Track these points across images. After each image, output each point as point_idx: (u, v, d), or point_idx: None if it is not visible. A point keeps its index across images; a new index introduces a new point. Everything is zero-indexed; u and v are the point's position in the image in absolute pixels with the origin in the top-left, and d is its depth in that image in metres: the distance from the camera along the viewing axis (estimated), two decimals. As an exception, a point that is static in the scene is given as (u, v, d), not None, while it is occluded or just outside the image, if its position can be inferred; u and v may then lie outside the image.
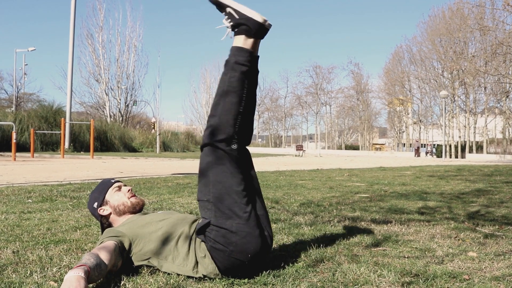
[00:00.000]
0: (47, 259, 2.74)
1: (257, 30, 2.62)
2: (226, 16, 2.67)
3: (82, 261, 2.15)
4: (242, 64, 2.58)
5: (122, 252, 2.46)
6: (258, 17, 2.59)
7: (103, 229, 2.85)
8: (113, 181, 2.91)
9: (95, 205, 2.82)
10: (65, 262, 2.68)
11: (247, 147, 2.73)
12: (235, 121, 2.55)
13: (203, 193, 2.54)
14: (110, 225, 2.83)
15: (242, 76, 2.57)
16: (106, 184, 2.89)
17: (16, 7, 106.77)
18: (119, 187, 2.88)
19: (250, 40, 2.60)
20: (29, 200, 5.43)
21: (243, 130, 2.61)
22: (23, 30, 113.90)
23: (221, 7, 2.70)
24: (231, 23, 2.66)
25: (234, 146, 2.56)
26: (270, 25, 2.64)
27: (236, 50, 2.61)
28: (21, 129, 28.52)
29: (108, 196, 2.82)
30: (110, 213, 2.80)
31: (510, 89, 41.07)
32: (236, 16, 2.63)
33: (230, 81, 2.57)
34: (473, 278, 2.48)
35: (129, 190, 2.88)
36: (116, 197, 2.81)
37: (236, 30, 2.65)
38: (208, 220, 2.47)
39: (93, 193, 2.89)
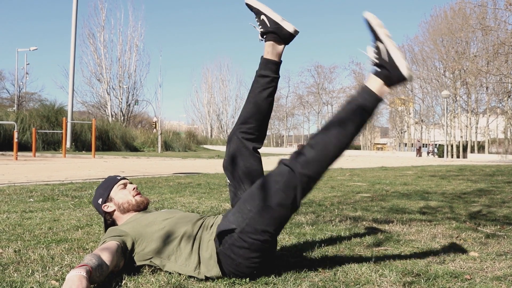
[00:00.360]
0: (48, 258, 2.74)
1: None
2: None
3: (84, 261, 2.15)
4: (367, 111, 2.42)
5: (124, 252, 2.46)
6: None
7: (106, 225, 2.86)
8: (119, 178, 2.92)
9: (100, 201, 2.82)
10: (67, 261, 2.68)
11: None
12: (331, 164, 2.43)
13: (251, 200, 2.39)
14: (113, 222, 2.83)
15: (360, 123, 2.43)
16: (111, 181, 2.89)
17: (18, 7, 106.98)
18: (125, 185, 2.88)
19: (385, 89, 2.44)
20: (31, 200, 5.43)
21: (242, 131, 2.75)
22: (25, 29, 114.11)
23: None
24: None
25: (314, 185, 2.44)
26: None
27: (368, 94, 2.42)
28: (23, 128, 28.55)
29: (113, 193, 2.82)
30: (114, 210, 2.80)
31: (511, 89, 41.04)
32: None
33: (347, 121, 2.39)
34: (475, 278, 2.48)
35: (134, 188, 2.88)
36: (121, 195, 2.81)
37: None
38: (234, 227, 2.37)
39: (98, 189, 2.89)
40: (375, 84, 2.42)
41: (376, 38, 2.43)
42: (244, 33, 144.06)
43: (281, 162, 2.42)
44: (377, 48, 2.43)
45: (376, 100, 2.42)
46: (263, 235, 2.35)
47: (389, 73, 2.39)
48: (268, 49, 2.71)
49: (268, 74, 2.71)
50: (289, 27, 2.65)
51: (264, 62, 2.72)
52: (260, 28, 2.70)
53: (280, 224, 2.39)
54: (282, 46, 2.71)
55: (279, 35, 2.67)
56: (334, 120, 2.42)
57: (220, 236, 2.42)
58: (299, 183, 2.33)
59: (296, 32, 2.67)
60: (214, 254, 2.42)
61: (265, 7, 2.70)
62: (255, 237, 2.34)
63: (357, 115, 2.39)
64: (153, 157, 24.69)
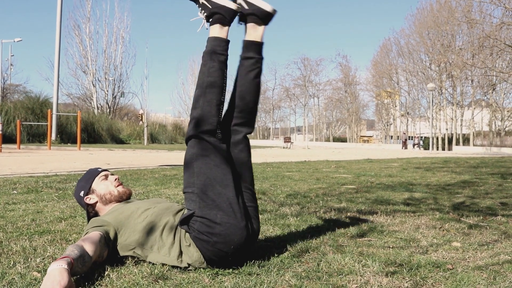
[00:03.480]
0: (31, 249, 2.72)
1: (232, 17, 2.68)
2: (200, 8, 2.70)
3: (66, 252, 2.14)
4: (220, 53, 2.63)
5: (108, 242, 2.45)
6: (231, 4, 2.64)
7: (89, 218, 2.84)
8: (100, 170, 2.90)
9: (82, 193, 2.80)
10: (49, 252, 2.66)
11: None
12: (218, 111, 2.59)
13: (188, 185, 2.54)
14: (96, 214, 2.82)
15: (221, 66, 2.62)
16: (92, 173, 2.88)
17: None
18: (106, 176, 2.87)
19: (225, 28, 2.66)
20: (14, 191, 5.39)
21: (228, 119, 2.69)
22: (9, 20, 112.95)
23: (195, 0, 2.74)
24: (205, 14, 2.69)
25: (219, 136, 2.59)
26: (239, 8, 2.71)
27: (213, 40, 2.65)
28: (7, 120, 28.33)
29: (94, 185, 2.81)
30: (97, 202, 2.79)
31: (496, 82, 41.36)
32: (209, 6, 2.67)
33: (209, 72, 2.61)
34: (457, 268, 2.50)
35: (116, 179, 2.86)
36: (103, 186, 2.80)
37: (210, 20, 2.69)
38: (192, 211, 2.46)
39: (80, 181, 2.87)
40: (214, 30, 2.67)
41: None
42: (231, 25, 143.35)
43: (185, 140, 2.66)
44: (201, 5, 2.68)
45: (222, 41, 2.66)
46: (218, 203, 2.46)
47: (220, 15, 2.65)
48: (250, 31, 2.74)
49: (253, 56, 2.76)
50: (267, 7, 2.70)
51: (247, 44, 2.76)
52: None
53: (224, 187, 2.49)
54: (263, 27, 2.75)
55: (258, 16, 2.71)
56: (201, 75, 2.66)
57: (183, 223, 2.48)
58: (206, 141, 2.56)
59: (274, 11, 2.71)
60: (191, 242, 2.44)
61: None
62: (213, 208, 2.44)
63: (214, 60, 2.65)
64: (139, 149, 24.61)
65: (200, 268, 2.41)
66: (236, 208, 2.47)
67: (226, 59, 2.65)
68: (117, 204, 2.76)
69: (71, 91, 51.73)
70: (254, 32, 2.73)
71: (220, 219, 2.41)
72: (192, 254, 2.42)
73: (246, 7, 2.70)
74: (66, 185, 6.08)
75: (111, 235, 2.49)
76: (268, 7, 2.68)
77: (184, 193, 2.57)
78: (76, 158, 13.78)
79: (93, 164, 11.23)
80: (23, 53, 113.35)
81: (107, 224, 2.51)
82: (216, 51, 2.62)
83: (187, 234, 2.47)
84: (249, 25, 2.74)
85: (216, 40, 2.63)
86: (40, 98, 32.13)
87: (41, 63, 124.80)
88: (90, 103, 50.98)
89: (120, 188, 2.83)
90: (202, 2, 2.69)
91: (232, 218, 2.43)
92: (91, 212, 2.83)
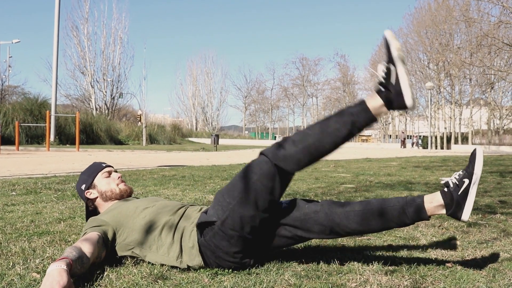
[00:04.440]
0: (30, 250, 2.72)
1: (398, 107, 2.36)
2: (385, 70, 2.37)
3: (64, 254, 2.14)
4: (358, 127, 2.36)
5: (106, 243, 2.45)
6: (409, 100, 2.29)
7: (87, 212, 2.85)
8: (104, 165, 2.90)
9: (83, 187, 2.81)
10: (48, 253, 2.66)
11: None
12: (310, 164, 2.39)
13: (230, 193, 2.38)
14: (95, 209, 2.82)
15: (348, 136, 2.37)
16: (96, 168, 2.88)
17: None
18: (109, 173, 2.87)
19: (383, 109, 2.35)
20: (13, 193, 5.39)
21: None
22: (7, 22, 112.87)
23: (390, 59, 2.37)
24: (382, 80, 2.36)
25: (290, 178, 2.46)
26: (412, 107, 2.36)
27: (364, 111, 2.35)
28: (6, 122, 28.27)
29: (96, 181, 2.81)
30: (97, 197, 2.79)
31: (495, 80, 41.37)
32: (392, 83, 2.33)
33: (335, 131, 2.35)
34: (456, 266, 2.50)
35: (119, 177, 2.86)
36: (105, 183, 2.80)
37: (381, 89, 2.36)
38: (215, 220, 2.36)
39: (83, 174, 2.87)
40: (375, 103, 2.34)
41: (390, 59, 2.36)
42: (229, 26, 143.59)
43: (261, 153, 2.39)
44: (388, 69, 2.35)
45: (370, 119, 2.35)
46: (243, 227, 2.34)
47: (392, 97, 2.31)
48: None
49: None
50: (407, 99, 2.30)
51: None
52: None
53: (259, 216, 2.36)
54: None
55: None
56: (323, 125, 2.38)
57: (200, 227, 2.41)
58: (277, 175, 2.33)
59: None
60: (196, 244, 2.41)
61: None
62: (235, 230, 2.34)
63: (347, 127, 2.34)
64: (137, 150, 24.58)
65: (199, 268, 2.41)
66: (254, 243, 2.42)
67: (354, 135, 2.40)
68: (116, 202, 2.75)
69: (69, 92, 51.73)
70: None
71: (235, 241, 2.35)
72: (194, 258, 2.39)
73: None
74: (65, 186, 6.08)
75: (110, 235, 2.49)
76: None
77: (219, 193, 2.44)
78: (75, 159, 13.77)
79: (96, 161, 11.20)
80: (21, 55, 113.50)
81: (105, 224, 2.51)
82: (356, 122, 2.34)
83: (192, 234, 2.44)
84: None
85: (365, 111, 2.34)
86: (39, 100, 32.06)
87: (39, 64, 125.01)
88: (89, 104, 50.95)
89: (122, 186, 2.83)
90: (391, 70, 2.36)
91: (245, 246, 2.38)
92: (91, 206, 2.83)
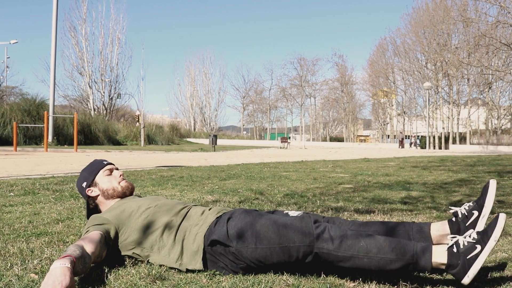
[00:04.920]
0: (28, 251, 2.72)
1: (452, 275, 2.16)
2: (471, 236, 2.15)
3: (68, 252, 2.12)
4: (396, 270, 2.19)
5: (107, 242, 2.44)
6: (466, 280, 2.07)
7: (88, 209, 2.84)
8: (105, 162, 2.89)
9: (84, 184, 2.80)
10: (47, 254, 2.65)
11: None
12: (343, 268, 2.26)
13: (261, 238, 2.31)
14: (96, 206, 2.82)
15: (392, 270, 2.19)
16: (97, 165, 2.87)
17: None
18: (111, 170, 2.87)
19: (440, 270, 2.19)
20: (11, 194, 5.38)
21: None
22: (5, 22, 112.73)
23: (486, 238, 2.11)
24: (474, 237, 2.14)
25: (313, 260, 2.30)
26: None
27: (421, 260, 2.15)
28: (4, 122, 28.24)
29: (98, 178, 2.81)
30: (98, 195, 2.79)
31: (492, 80, 41.38)
32: (467, 254, 2.11)
33: (385, 259, 2.18)
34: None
35: (120, 175, 2.86)
36: (106, 181, 2.80)
37: (453, 251, 2.14)
38: (231, 246, 2.34)
39: (84, 171, 2.86)
40: (439, 258, 2.14)
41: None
42: (227, 27, 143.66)
43: (311, 222, 2.30)
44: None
45: (425, 268, 2.16)
46: (256, 263, 2.32)
47: (457, 265, 2.10)
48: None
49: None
50: (466, 280, 2.08)
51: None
52: (464, 218, 2.30)
53: (275, 266, 2.34)
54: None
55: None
56: (381, 244, 2.20)
57: (213, 242, 2.38)
58: (310, 255, 2.26)
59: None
60: (201, 251, 2.38)
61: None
62: (248, 261, 2.32)
63: (399, 262, 2.17)
64: (136, 150, 24.57)
65: (198, 271, 2.40)
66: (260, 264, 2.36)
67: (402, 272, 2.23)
68: (119, 201, 2.75)
69: (67, 93, 51.73)
70: (438, 239, 2.29)
71: (243, 258, 2.32)
72: (196, 263, 2.37)
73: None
74: (63, 186, 6.07)
75: (112, 234, 2.49)
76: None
77: (246, 220, 2.38)
78: (73, 160, 13.76)
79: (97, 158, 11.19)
80: (19, 55, 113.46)
81: (108, 223, 2.50)
82: (409, 268, 2.17)
83: (197, 237, 2.41)
84: (446, 235, 2.30)
85: (424, 262, 2.14)
86: (37, 100, 32.03)
87: (37, 65, 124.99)
88: (87, 104, 50.95)
89: (124, 183, 2.83)
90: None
91: (251, 262, 2.33)
92: (92, 204, 2.83)
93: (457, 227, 2.27)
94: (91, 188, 2.79)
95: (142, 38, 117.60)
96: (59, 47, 45.08)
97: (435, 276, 2.33)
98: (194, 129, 78.78)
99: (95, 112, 48.50)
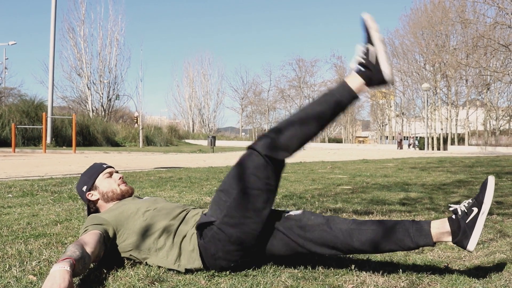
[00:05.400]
0: (26, 253, 2.71)
1: (378, 84, 2.45)
2: (364, 50, 2.43)
3: (67, 253, 2.12)
4: (342, 107, 2.43)
5: (106, 242, 2.44)
6: (388, 77, 2.39)
7: (89, 213, 2.84)
8: (105, 166, 2.89)
9: (84, 188, 2.80)
10: (45, 256, 2.65)
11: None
12: (297, 149, 2.41)
13: (225, 191, 2.40)
14: (97, 210, 2.81)
15: (333, 116, 2.42)
16: (97, 169, 2.87)
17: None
18: (110, 173, 2.86)
19: (364, 88, 2.44)
20: (9, 195, 5.37)
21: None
22: (3, 23, 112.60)
23: (369, 40, 2.43)
24: (362, 61, 2.43)
25: (282, 166, 2.45)
26: (391, 82, 2.46)
27: (347, 91, 2.43)
28: (2, 124, 28.25)
29: (98, 182, 2.80)
30: (98, 199, 2.78)
31: (491, 81, 41.45)
32: (372, 62, 2.41)
33: (319, 115, 2.40)
34: (452, 267, 2.51)
35: (120, 178, 2.86)
36: (106, 184, 2.79)
37: (361, 69, 2.44)
38: (213, 220, 2.37)
39: (84, 175, 2.86)
40: (356, 82, 2.42)
41: (369, 40, 2.43)
42: (225, 27, 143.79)
43: (249, 147, 2.41)
44: (367, 49, 2.42)
45: (353, 97, 2.43)
46: (242, 224, 2.34)
47: (372, 75, 2.40)
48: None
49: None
50: (388, 77, 2.40)
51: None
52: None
53: (258, 211, 2.36)
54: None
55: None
56: (307, 109, 2.44)
57: (200, 228, 2.41)
58: (269, 165, 2.35)
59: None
60: (196, 248, 2.40)
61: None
62: (235, 227, 2.34)
63: (331, 109, 2.41)
64: (134, 152, 24.57)
65: (197, 271, 2.40)
66: (256, 237, 2.40)
67: (343, 114, 2.49)
68: (118, 202, 2.75)
69: (66, 94, 51.77)
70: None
71: (235, 239, 2.35)
72: (194, 261, 2.39)
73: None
74: (61, 188, 6.07)
75: (110, 234, 2.48)
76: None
77: (218, 191, 2.45)
78: (72, 161, 13.75)
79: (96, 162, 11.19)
80: (18, 56, 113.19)
81: (106, 223, 2.50)
82: (340, 102, 2.42)
83: (192, 238, 2.43)
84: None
85: (348, 91, 2.41)
86: (35, 101, 32.04)
87: (36, 66, 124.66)
88: (85, 106, 50.96)
89: (123, 187, 2.82)
90: (370, 50, 2.42)
91: (245, 244, 2.38)
92: (92, 208, 2.82)
93: (457, 224, 2.28)
94: (91, 191, 2.79)
95: (140, 39, 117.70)
96: (58, 49, 45.01)
97: (434, 277, 2.34)
98: (193, 130, 78.73)
99: (94, 114, 48.52)
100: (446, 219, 2.32)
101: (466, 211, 2.29)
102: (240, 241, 2.36)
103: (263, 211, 2.38)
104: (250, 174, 2.34)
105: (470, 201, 2.32)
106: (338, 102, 2.42)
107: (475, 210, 2.27)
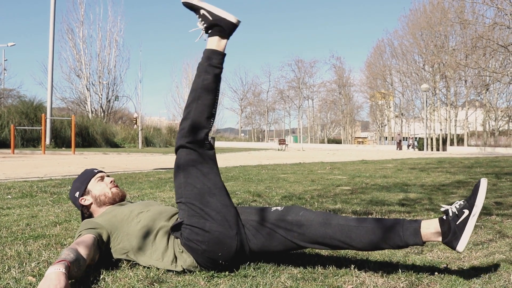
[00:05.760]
0: (25, 254, 2.71)
1: (231, 31, 2.68)
2: (200, 19, 2.70)
3: (62, 256, 2.12)
4: (216, 66, 2.63)
5: (100, 246, 2.45)
6: (232, 18, 2.64)
7: (83, 219, 2.84)
8: (96, 171, 2.90)
9: (77, 194, 2.80)
10: (44, 257, 2.65)
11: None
12: (208, 123, 2.59)
13: (178, 195, 2.53)
14: (90, 215, 2.82)
15: (215, 79, 2.63)
16: (88, 174, 2.88)
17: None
18: (102, 178, 2.87)
19: (224, 41, 2.66)
20: (9, 196, 5.37)
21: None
22: (2, 25, 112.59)
23: (195, 10, 2.72)
24: (205, 25, 2.68)
25: (207, 146, 2.58)
26: (239, 22, 2.70)
27: (211, 53, 2.65)
28: (1, 125, 28.26)
29: (90, 186, 2.81)
30: (91, 203, 2.79)
31: (490, 82, 41.48)
32: (210, 18, 2.66)
33: (203, 84, 2.61)
34: (452, 267, 2.51)
35: (111, 181, 2.86)
36: (98, 188, 2.80)
37: (210, 31, 2.69)
38: (181, 220, 2.45)
39: (75, 182, 2.87)
40: (213, 42, 2.65)
41: (196, 9, 2.69)
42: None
43: (175, 150, 2.61)
44: (201, 15, 2.66)
45: (220, 54, 2.65)
46: (205, 211, 2.43)
47: (220, 27, 2.64)
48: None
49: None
50: (230, 18, 2.66)
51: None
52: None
53: (211, 195, 2.48)
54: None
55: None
56: (194, 86, 2.64)
57: (174, 230, 2.48)
58: (194, 151, 2.54)
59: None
60: (184, 248, 2.43)
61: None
62: (201, 217, 2.42)
63: (210, 73, 2.62)
64: (133, 153, 24.56)
65: (195, 271, 2.41)
66: (226, 217, 2.44)
67: (221, 72, 2.65)
68: (111, 206, 2.76)
69: (65, 95, 51.87)
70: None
71: (209, 227, 2.40)
72: (186, 260, 2.41)
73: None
74: (60, 189, 6.06)
75: (104, 238, 2.49)
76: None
77: (176, 203, 2.56)
78: (71, 162, 13.75)
79: (87, 168, 11.18)
80: (17, 58, 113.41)
81: (100, 227, 2.51)
82: (212, 64, 2.62)
83: (177, 240, 2.46)
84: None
85: (213, 53, 2.64)
86: (34, 103, 32.06)
87: (35, 67, 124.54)
88: (84, 107, 50.96)
89: (115, 190, 2.83)
90: (202, 13, 2.69)
91: (221, 226, 2.40)
92: (86, 213, 2.83)
93: (448, 225, 2.28)
94: (84, 197, 2.80)
95: (139, 40, 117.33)
96: (57, 50, 45.04)
97: (433, 278, 2.34)
98: (192, 131, 78.51)
99: (93, 115, 48.53)
100: (437, 220, 2.32)
101: (457, 212, 2.29)
102: (213, 227, 2.40)
103: (216, 191, 2.50)
104: (183, 169, 2.53)
105: (462, 202, 2.32)
106: (210, 65, 2.62)
107: (466, 212, 2.27)
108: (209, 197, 2.46)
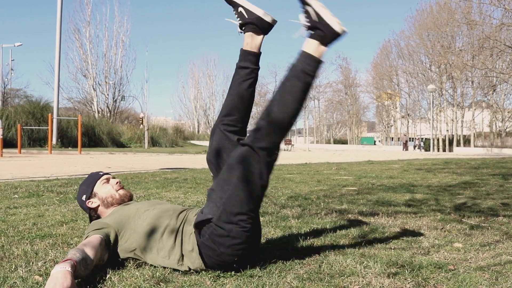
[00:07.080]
0: (32, 253, 2.72)
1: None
2: (305, 14, 2.48)
3: (68, 255, 2.13)
4: (309, 74, 2.43)
5: (108, 245, 2.45)
6: (338, 27, 2.41)
7: (91, 221, 2.84)
8: (101, 173, 2.91)
9: (84, 197, 2.81)
10: (51, 256, 2.66)
11: None
12: (285, 132, 2.45)
13: (220, 188, 2.42)
14: (98, 217, 2.82)
15: (305, 87, 2.43)
16: (94, 177, 2.89)
17: (2, 2, 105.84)
18: (108, 180, 2.88)
19: (322, 48, 2.44)
20: (15, 196, 5.39)
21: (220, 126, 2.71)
22: (9, 25, 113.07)
23: (304, 2, 2.49)
24: (308, 24, 2.47)
25: (274, 156, 2.46)
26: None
27: (306, 57, 2.44)
28: (8, 125, 28.34)
29: (96, 189, 2.81)
30: (99, 206, 2.80)
31: (497, 83, 41.33)
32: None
33: (292, 88, 2.42)
34: (459, 268, 2.49)
35: (117, 183, 2.87)
36: (104, 190, 2.81)
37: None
38: (210, 217, 2.38)
39: (82, 185, 2.88)
40: (311, 46, 2.45)
41: (304, 2, 2.48)
42: (231, 29, 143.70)
43: (239, 143, 2.48)
44: (307, 12, 2.47)
45: (316, 61, 2.44)
46: (240, 218, 2.36)
47: (323, 32, 2.42)
48: (247, 41, 2.71)
49: (248, 66, 2.72)
50: (267, 17, 2.66)
51: (244, 54, 2.74)
52: (239, 20, 2.71)
53: (253, 204, 2.40)
54: (261, 36, 2.71)
55: (257, 26, 2.67)
56: (281, 89, 2.46)
57: (198, 227, 2.42)
58: (260, 158, 2.38)
59: (274, 21, 2.68)
60: (195, 247, 2.41)
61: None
62: (233, 222, 2.35)
63: (300, 79, 2.42)
64: (140, 152, 24.61)
65: (201, 270, 2.41)
66: (253, 229, 2.42)
67: (314, 81, 2.49)
68: (118, 206, 2.76)
69: (71, 95, 51.98)
70: (252, 41, 2.70)
71: (235, 233, 2.35)
72: (194, 261, 2.40)
73: (246, 16, 2.68)
74: (67, 189, 6.08)
75: (112, 237, 2.49)
76: (268, 18, 2.67)
77: (211, 190, 2.47)
78: (77, 162, 13.78)
79: (94, 168, 11.24)
80: (24, 58, 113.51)
81: (107, 227, 2.51)
82: (305, 71, 2.43)
83: (191, 237, 2.44)
84: (248, 34, 2.72)
85: (308, 58, 2.43)
86: (41, 103, 32.19)
87: (42, 67, 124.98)
88: (91, 107, 51.11)
89: (121, 191, 2.83)
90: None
91: (245, 236, 2.38)
92: (94, 216, 2.83)
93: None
94: (91, 199, 2.80)
95: (146, 40, 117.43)
96: (64, 50, 45.16)
97: (440, 279, 2.33)
98: (198, 131, 78.82)
99: (99, 115, 48.68)
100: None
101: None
102: (241, 235, 2.36)
103: (257, 204, 2.45)
104: (243, 170, 2.38)
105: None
106: (304, 71, 2.42)
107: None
108: (247, 207, 2.39)
